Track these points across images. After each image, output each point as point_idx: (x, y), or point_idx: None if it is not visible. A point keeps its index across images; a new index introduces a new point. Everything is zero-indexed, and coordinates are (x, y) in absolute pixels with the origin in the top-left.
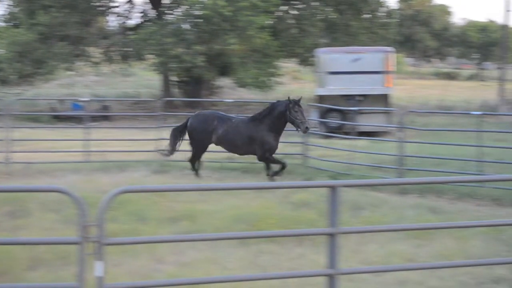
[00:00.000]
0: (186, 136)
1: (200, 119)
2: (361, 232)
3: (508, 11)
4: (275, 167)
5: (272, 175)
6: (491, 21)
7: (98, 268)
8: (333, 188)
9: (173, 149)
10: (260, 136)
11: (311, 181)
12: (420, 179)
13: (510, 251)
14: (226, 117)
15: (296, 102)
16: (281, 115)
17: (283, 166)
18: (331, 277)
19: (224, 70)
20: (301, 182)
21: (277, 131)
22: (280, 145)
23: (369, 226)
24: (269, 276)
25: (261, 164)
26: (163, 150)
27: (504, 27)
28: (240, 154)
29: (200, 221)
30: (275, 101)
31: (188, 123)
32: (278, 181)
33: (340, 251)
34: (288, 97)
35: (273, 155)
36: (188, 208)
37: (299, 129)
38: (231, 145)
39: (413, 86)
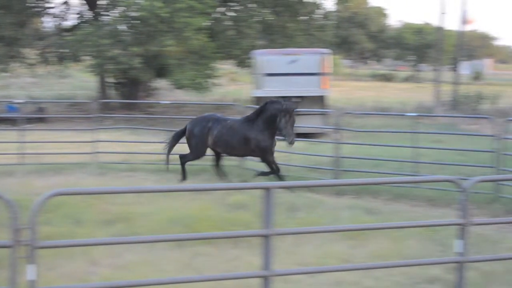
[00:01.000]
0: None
1: (195, 122)
2: (296, 234)
3: (443, 13)
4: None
5: (259, 174)
6: (427, 23)
7: (30, 272)
8: (267, 189)
9: (168, 152)
10: (254, 136)
11: (246, 183)
12: (355, 180)
13: (444, 251)
14: (222, 119)
15: (289, 111)
16: (273, 118)
17: (275, 173)
18: (265, 279)
19: (161, 72)
20: (236, 184)
21: (271, 130)
22: None
23: (304, 228)
24: (204, 278)
25: (199, 166)
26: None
27: (439, 29)
28: (239, 156)
29: (136, 223)
30: (268, 100)
31: (186, 128)
32: (214, 183)
33: (276, 253)
34: (283, 102)
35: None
36: (125, 210)
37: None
38: (227, 147)
39: (349, 88)
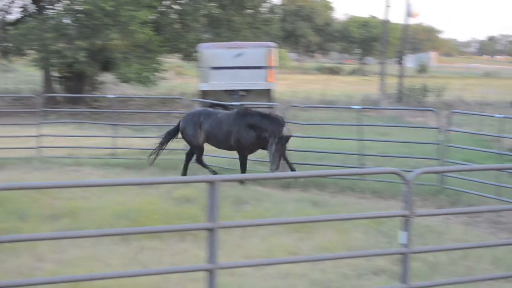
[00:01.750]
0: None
1: (187, 117)
2: (241, 226)
3: (388, 6)
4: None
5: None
6: (373, 17)
7: None
8: (212, 183)
9: (160, 149)
10: (237, 131)
11: (191, 176)
12: (302, 173)
13: (390, 242)
14: (213, 112)
15: (283, 140)
16: (265, 133)
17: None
18: (210, 272)
19: (107, 66)
20: (181, 177)
21: (258, 137)
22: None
23: (249, 220)
24: (150, 272)
25: (144, 160)
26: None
27: (384, 22)
28: (227, 149)
29: (81, 218)
30: (274, 113)
31: (179, 125)
32: (160, 177)
33: (222, 246)
34: (284, 126)
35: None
36: (70, 205)
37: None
38: (216, 140)
39: (296, 81)
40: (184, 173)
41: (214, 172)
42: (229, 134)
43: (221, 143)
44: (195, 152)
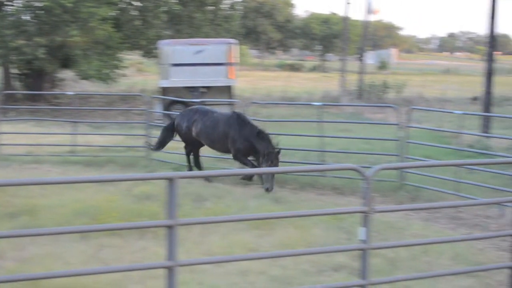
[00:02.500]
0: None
1: (183, 114)
2: (200, 223)
3: (348, 3)
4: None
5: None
6: (333, 14)
7: None
8: (171, 180)
9: (160, 146)
10: (233, 134)
11: (150, 174)
12: (262, 169)
13: (350, 238)
14: (210, 111)
15: (272, 157)
16: (255, 145)
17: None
18: (170, 269)
19: (67, 63)
20: (140, 175)
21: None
22: (122, 137)
23: (208, 217)
24: (109, 269)
25: (104, 158)
26: (149, 145)
27: (345, 19)
28: (219, 151)
29: (41, 216)
30: (261, 130)
31: (175, 122)
32: (119, 174)
33: (183, 243)
34: (271, 144)
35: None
36: (29, 203)
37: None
38: (210, 140)
39: (257, 78)
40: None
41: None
42: (225, 136)
43: (216, 144)
44: (186, 148)
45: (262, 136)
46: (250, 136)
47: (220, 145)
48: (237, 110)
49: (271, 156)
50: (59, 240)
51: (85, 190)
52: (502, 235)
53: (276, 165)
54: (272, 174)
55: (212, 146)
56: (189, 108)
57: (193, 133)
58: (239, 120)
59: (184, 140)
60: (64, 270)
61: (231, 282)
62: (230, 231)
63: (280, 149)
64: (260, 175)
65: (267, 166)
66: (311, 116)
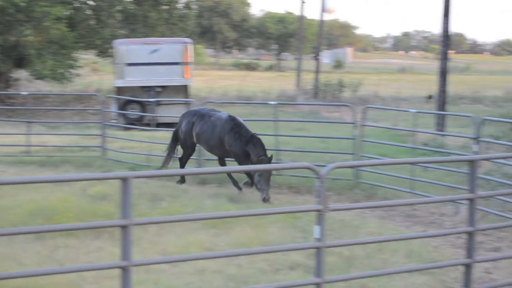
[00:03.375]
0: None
1: (184, 115)
2: (155, 223)
3: (304, 2)
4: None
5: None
6: (289, 13)
7: None
8: (124, 179)
9: (169, 154)
10: (228, 139)
11: (104, 173)
12: (218, 168)
13: (306, 237)
14: (207, 114)
15: (268, 161)
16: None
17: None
18: (124, 269)
19: (21, 62)
20: (94, 175)
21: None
22: (77, 137)
23: (163, 217)
24: (64, 270)
25: (59, 158)
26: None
27: (300, 18)
28: (221, 156)
29: None
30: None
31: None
32: (74, 174)
33: (139, 243)
34: (261, 154)
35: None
36: None
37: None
38: (208, 145)
39: (213, 77)
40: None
41: (183, 181)
42: (221, 141)
43: (214, 149)
44: (182, 156)
45: (255, 141)
46: (243, 140)
47: (218, 151)
48: (232, 114)
49: (263, 163)
50: (14, 241)
51: (40, 190)
52: (457, 232)
53: (269, 174)
54: (267, 183)
55: (211, 151)
56: (190, 110)
57: (194, 138)
58: (233, 124)
59: (183, 145)
60: (19, 271)
61: (187, 281)
62: (186, 231)
63: (270, 156)
64: (253, 183)
65: (260, 176)
66: (267, 115)
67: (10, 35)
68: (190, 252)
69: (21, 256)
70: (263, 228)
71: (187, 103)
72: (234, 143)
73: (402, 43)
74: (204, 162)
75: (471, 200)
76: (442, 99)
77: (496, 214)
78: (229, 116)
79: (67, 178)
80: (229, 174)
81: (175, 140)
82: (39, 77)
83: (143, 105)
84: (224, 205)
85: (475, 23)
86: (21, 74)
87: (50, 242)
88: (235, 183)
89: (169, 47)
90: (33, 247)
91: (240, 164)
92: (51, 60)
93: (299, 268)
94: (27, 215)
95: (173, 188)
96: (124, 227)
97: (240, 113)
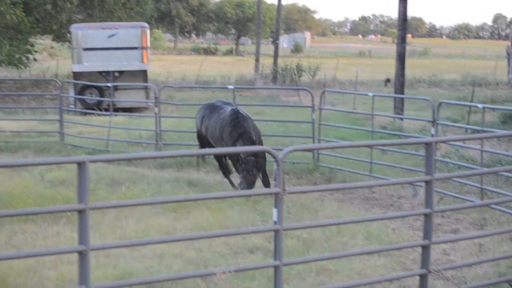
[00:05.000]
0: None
1: (199, 110)
2: (112, 207)
3: None
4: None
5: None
6: None
7: None
8: (80, 164)
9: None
10: (225, 136)
11: (60, 158)
12: (176, 152)
13: (265, 220)
14: (218, 108)
15: (252, 164)
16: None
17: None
18: (82, 253)
19: None
20: (50, 159)
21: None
22: (35, 123)
23: (120, 201)
24: (21, 255)
25: (17, 143)
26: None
27: (258, 2)
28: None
29: None
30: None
31: None
32: (31, 158)
33: (98, 227)
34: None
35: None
36: None
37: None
38: (212, 139)
39: (171, 62)
40: (224, 172)
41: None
42: (221, 137)
43: (217, 143)
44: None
45: (244, 138)
46: (234, 137)
47: (220, 145)
48: (237, 107)
49: (249, 164)
50: None
51: None
52: (415, 214)
53: (254, 176)
54: (248, 175)
55: (215, 145)
56: (205, 103)
57: (203, 131)
58: (232, 119)
59: (197, 138)
60: None
61: (147, 265)
62: (146, 215)
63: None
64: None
65: (243, 176)
66: (226, 99)
67: None
68: (149, 236)
69: None
70: (222, 212)
71: (145, 88)
72: (226, 138)
73: (360, 27)
74: (163, 146)
75: (428, 182)
76: (400, 83)
77: (454, 196)
78: (232, 109)
79: (23, 162)
80: (226, 175)
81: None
82: None
83: (100, 90)
84: (183, 189)
85: (433, 7)
86: None
87: (8, 228)
88: (232, 184)
89: (126, 32)
90: None
91: (232, 161)
92: (7, 45)
93: (259, 251)
94: None
95: (132, 173)
96: (81, 211)
97: (199, 98)
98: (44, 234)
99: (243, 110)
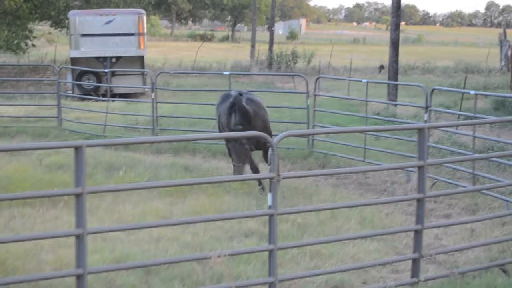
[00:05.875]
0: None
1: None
2: (109, 191)
3: None
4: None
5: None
6: None
7: None
8: (78, 148)
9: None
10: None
11: (57, 142)
12: (173, 137)
13: (260, 205)
14: (230, 96)
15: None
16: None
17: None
18: (79, 237)
19: None
20: (47, 143)
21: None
22: (33, 108)
23: (116, 185)
24: (18, 238)
25: (15, 128)
26: None
27: None
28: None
29: None
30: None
31: None
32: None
33: (95, 212)
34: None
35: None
36: None
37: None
38: (223, 127)
39: (168, 48)
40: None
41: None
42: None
43: (225, 130)
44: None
45: (235, 108)
46: (228, 111)
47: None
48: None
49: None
50: None
51: None
52: (408, 199)
53: (243, 146)
54: (238, 158)
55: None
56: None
57: (218, 120)
58: (233, 98)
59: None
60: None
61: (144, 249)
62: (143, 200)
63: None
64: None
65: (232, 146)
66: (222, 85)
67: None
68: (146, 220)
69: None
70: (218, 196)
71: (142, 74)
72: (224, 115)
73: (355, 14)
74: (160, 131)
75: (420, 167)
76: (393, 70)
77: (446, 182)
78: (237, 91)
79: (22, 147)
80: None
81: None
82: None
83: (98, 76)
84: (180, 174)
85: None
86: None
87: (6, 212)
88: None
89: (123, 18)
90: None
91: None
92: (5, 31)
93: (254, 235)
94: None
95: (129, 158)
96: (78, 195)
97: (195, 84)
98: (42, 218)
99: (250, 95)
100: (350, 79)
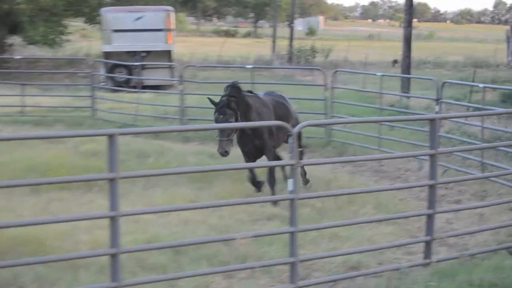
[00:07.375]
0: None
1: None
2: (140, 176)
3: None
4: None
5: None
6: None
7: None
8: (111, 136)
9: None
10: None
11: (92, 131)
12: (200, 126)
13: (283, 190)
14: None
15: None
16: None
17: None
18: (113, 219)
19: (14, 29)
20: (83, 132)
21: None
22: (69, 99)
23: (147, 171)
24: (56, 220)
25: (52, 117)
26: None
27: None
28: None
29: None
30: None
31: None
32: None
33: (128, 196)
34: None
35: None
36: None
37: None
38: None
39: (194, 43)
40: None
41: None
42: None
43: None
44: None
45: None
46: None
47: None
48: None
49: (219, 104)
50: (12, 194)
51: (35, 147)
52: (420, 185)
53: (225, 117)
54: (221, 134)
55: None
56: None
57: None
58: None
59: None
60: (17, 221)
61: (173, 231)
62: (172, 185)
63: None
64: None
65: (215, 118)
66: (244, 78)
67: (3, 3)
68: (175, 204)
69: (18, 208)
70: (242, 182)
71: (170, 67)
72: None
73: (370, 12)
74: (187, 121)
75: (432, 155)
76: (406, 64)
77: (457, 170)
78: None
79: (59, 135)
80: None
81: None
82: (32, 42)
83: (129, 69)
84: (206, 161)
85: None
86: (15, 40)
87: (45, 195)
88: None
89: (153, 15)
90: (29, 200)
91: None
92: (42, 26)
93: (276, 219)
94: (23, 170)
95: (159, 146)
96: (111, 180)
97: (219, 77)
98: (78, 201)
99: (270, 93)
100: (365, 73)
